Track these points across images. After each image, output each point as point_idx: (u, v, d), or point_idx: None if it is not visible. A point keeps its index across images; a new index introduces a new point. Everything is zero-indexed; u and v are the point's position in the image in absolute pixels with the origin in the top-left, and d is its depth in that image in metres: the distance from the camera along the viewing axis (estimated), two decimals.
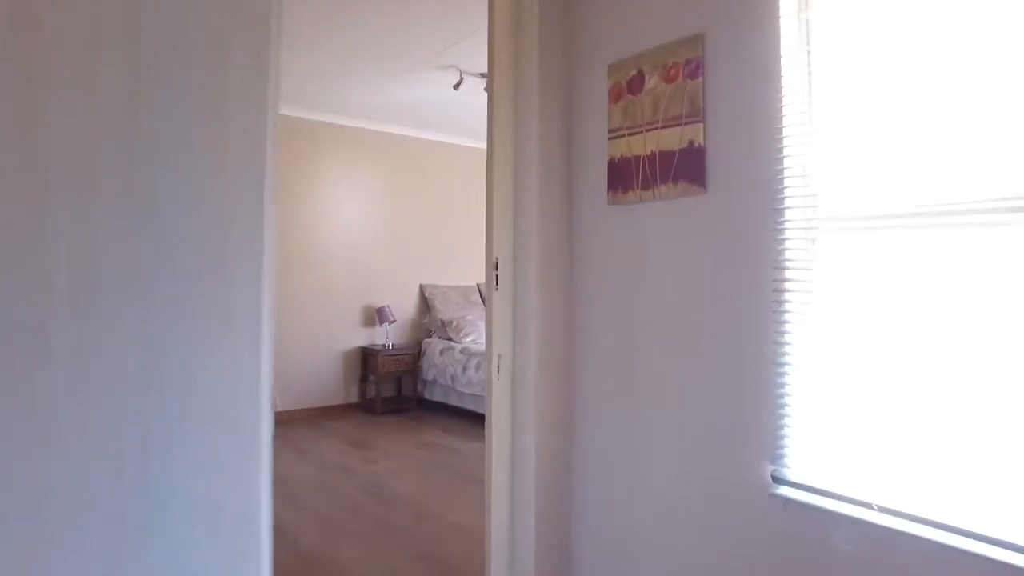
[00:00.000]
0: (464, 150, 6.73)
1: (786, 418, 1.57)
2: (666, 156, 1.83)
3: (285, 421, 5.37)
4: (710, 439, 1.69)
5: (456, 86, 4.76)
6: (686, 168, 1.78)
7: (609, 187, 2.00)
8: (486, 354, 2.12)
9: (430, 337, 6.35)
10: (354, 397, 6.02)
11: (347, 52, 4.35)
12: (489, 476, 1.99)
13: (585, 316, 2.08)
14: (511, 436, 2.01)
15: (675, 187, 1.81)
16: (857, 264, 1.53)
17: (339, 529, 3.15)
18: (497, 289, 2.09)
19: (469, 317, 6.20)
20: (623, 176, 1.95)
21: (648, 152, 1.88)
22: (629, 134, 1.94)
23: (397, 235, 6.30)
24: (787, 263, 1.60)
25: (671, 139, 1.82)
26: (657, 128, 1.85)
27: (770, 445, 1.57)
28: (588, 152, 2.09)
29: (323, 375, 5.81)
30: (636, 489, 1.89)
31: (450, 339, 6.06)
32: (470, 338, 5.94)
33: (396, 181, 6.30)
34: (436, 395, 6.05)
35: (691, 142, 1.77)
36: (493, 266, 2.13)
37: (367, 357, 5.97)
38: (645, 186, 1.89)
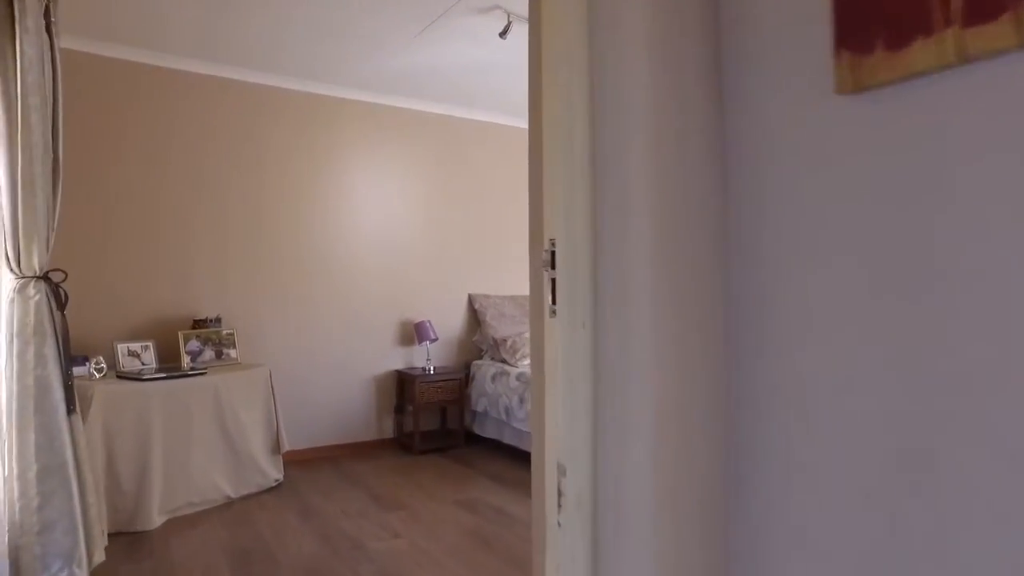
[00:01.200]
0: (520, 133, 5.58)
1: None
2: None
3: (298, 463, 4.35)
4: None
5: (503, 34, 3.63)
6: None
7: (840, 42, 0.78)
8: (533, 462, 0.94)
9: (480, 358, 5.22)
10: (389, 431, 4.96)
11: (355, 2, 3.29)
12: None
13: (772, 380, 0.86)
14: None
15: None
16: None
17: None
18: (554, 314, 0.91)
19: (527, 335, 5.03)
20: (889, 5, 0.73)
21: None
22: None
23: (440, 236, 5.21)
24: None
25: None
26: None
27: None
28: None
29: (350, 405, 4.77)
30: None
31: (504, 361, 4.91)
32: (528, 360, 4.77)
33: (438, 171, 5.22)
34: (487, 430, 4.91)
35: None
36: (545, 261, 0.96)
37: (403, 383, 4.89)
38: (973, 16, 0.66)
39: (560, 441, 0.89)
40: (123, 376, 3.42)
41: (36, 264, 2.15)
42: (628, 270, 0.85)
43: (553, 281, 0.93)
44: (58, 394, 2.19)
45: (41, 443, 2.11)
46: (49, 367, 2.17)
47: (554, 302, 0.93)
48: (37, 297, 2.16)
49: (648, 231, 0.84)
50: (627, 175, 0.87)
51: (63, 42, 3.69)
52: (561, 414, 0.90)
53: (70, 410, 2.24)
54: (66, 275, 2.27)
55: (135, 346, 3.72)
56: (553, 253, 0.93)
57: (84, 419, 3.03)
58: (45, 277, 2.21)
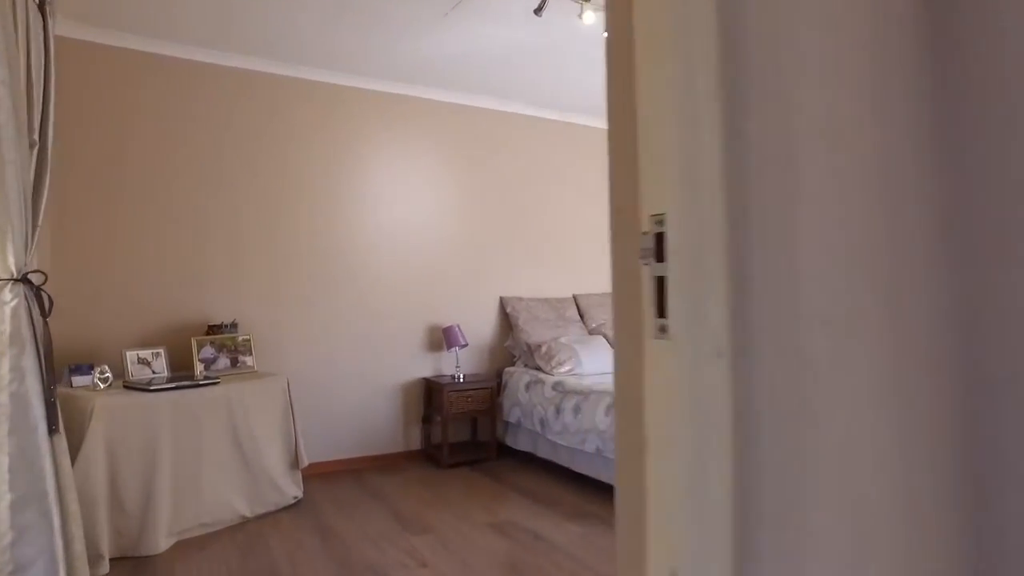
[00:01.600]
0: (555, 126, 5.25)
1: None
2: None
3: (320, 477, 4.06)
4: None
5: (538, 11, 3.30)
6: None
7: None
8: (620, 558, 0.60)
9: (513, 365, 4.88)
10: (416, 443, 4.65)
11: None
12: None
13: None
14: None
15: None
16: None
17: None
18: (665, 332, 0.57)
19: (563, 340, 4.69)
20: None
21: None
22: None
23: (469, 235, 4.89)
24: None
25: None
26: None
27: None
28: None
29: (375, 415, 4.47)
30: None
31: (539, 369, 4.57)
32: (565, 368, 4.43)
33: (467, 167, 4.90)
34: (520, 442, 4.57)
35: None
36: (646, 249, 0.61)
37: (431, 392, 4.59)
38: None
39: (677, 541, 0.55)
40: (129, 386, 3.16)
41: (12, 264, 1.88)
42: (803, 268, 0.50)
43: (660, 280, 0.59)
44: (38, 412, 1.92)
45: (16, 469, 1.84)
46: (28, 382, 1.89)
47: (663, 314, 0.58)
48: (14, 302, 1.89)
49: (836, 213, 0.50)
50: (791, 120, 0.53)
51: (70, 31, 3.48)
52: (679, 497, 0.56)
53: (52, 430, 1.97)
54: (46, 277, 1.99)
55: (145, 353, 3.47)
56: (660, 236, 0.59)
57: (84, 434, 2.78)
58: (24, 279, 1.94)
